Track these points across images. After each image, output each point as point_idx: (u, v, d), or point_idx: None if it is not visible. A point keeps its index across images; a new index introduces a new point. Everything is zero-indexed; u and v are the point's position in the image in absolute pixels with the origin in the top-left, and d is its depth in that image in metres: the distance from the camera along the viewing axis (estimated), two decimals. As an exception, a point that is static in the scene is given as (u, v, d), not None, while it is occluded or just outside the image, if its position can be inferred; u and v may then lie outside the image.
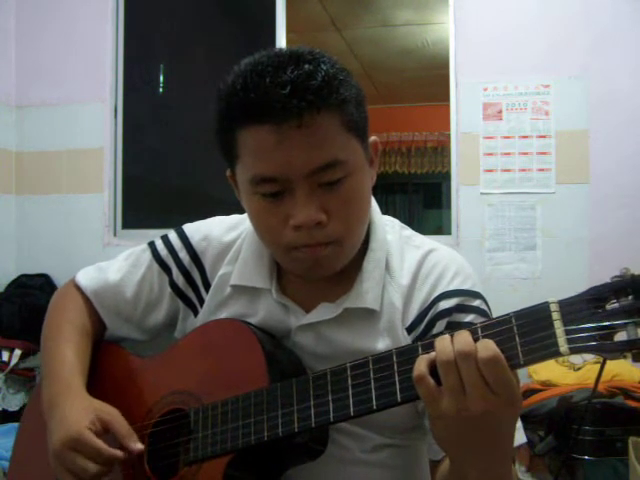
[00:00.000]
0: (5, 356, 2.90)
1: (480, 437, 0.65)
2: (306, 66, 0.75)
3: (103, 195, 3.29)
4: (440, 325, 0.84)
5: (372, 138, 0.86)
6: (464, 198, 2.96)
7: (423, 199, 6.88)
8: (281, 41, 3.23)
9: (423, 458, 0.95)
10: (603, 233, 2.79)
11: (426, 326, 0.86)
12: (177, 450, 0.86)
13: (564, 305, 0.62)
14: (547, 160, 2.88)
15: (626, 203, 2.79)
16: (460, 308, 0.85)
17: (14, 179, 3.40)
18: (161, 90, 3.92)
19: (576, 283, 2.80)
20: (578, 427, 2.02)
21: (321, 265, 0.81)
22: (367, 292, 0.86)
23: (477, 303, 0.86)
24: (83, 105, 3.32)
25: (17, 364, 2.88)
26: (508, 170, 2.92)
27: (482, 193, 2.93)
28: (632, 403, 2.12)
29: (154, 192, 3.70)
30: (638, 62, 2.82)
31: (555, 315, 0.62)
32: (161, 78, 3.90)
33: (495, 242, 2.91)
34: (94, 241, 3.26)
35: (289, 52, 0.78)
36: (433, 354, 0.65)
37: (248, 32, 3.59)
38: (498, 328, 0.65)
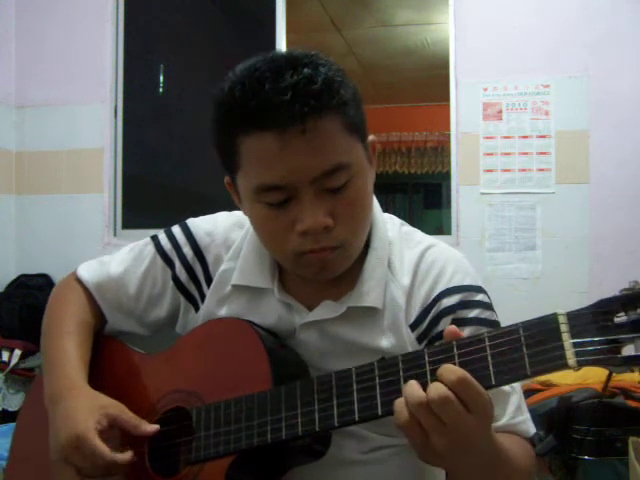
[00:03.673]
0: (5, 356, 2.91)
1: (470, 452, 0.67)
2: (305, 70, 0.74)
3: (103, 195, 3.29)
4: (445, 322, 0.85)
5: (370, 137, 0.86)
6: (464, 198, 2.96)
7: (423, 199, 6.88)
8: (281, 41, 3.23)
9: None
10: (603, 233, 2.79)
11: (430, 323, 0.87)
12: (178, 449, 0.86)
13: (572, 317, 0.62)
14: (547, 160, 2.88)
15: (626, 203, 2.79)
16: (464, 304, 0.86)
17: (14, 179, 3.40)
18: (161, 90, 3.92)
19: (576, 283, 2.83)
20: (585, 429, 2.01)
21: (327, 269, 0.82)
22: (370, 291, 0.87)
23: (480, 297, 0.87)
24: (83, 105, 3.32)
25: (17, 364, 2.88)
26: (508, 170, 2.92)
27: (482, 193, 2.93)
28: (632, 403, 2.12)
29: (154, 192, 3.70)
30: (638, 62, 2.82)
31: (563, 327, 0.62)
32: (161, 78, 3.90)
33: (495, 242, 2.91)
34: (94, 241, 3.26)
35: (284, 56, 0.77)
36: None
37: (248, 32, 3.59)
38: (505, 338, 0.65)
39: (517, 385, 0.87)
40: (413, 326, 0.87)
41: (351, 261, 0.85)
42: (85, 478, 0.81)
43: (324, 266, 0.81)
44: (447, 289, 0.87)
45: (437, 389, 0.64)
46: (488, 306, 0.87)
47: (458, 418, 0.63)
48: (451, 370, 0.64)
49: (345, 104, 0.77)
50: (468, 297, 0.87)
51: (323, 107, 0.74)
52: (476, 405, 0.64)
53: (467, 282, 0.88)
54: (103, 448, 0.80)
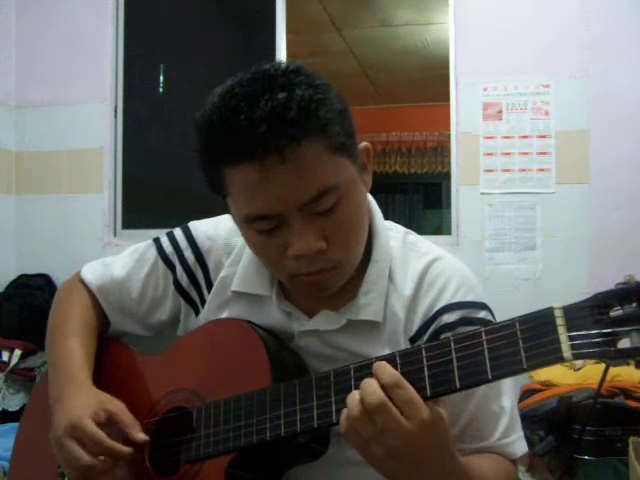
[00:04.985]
0: (5, 356, 2.90)
1: (419, 466, 0.68)
2: (280, 95, 0.71)
3: (103, 195, 3.29)
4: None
5: (362, 145, 0.83)
6: (464, 198, 2.96)
7: (423, 199, 6.87)
8: (281, 41, 3.22)
9: None
10: (603, 233, 2.79)
11: (429, 338, 0.86)
12: (179, 448, 0.86)
13: (568, 311, 0.62)
14: (547, 160, 2.88)
15: (626, 203, 2.79)
16: (465, 321, 0.84)
17: (14, 179, 3.40)
18: (161, 90, 3.92)
19: (576, 283, 2.83)
20: (581, 428, 2.01)
21: (323, 287, 0.82)
22: (370, 304, 0.86)
23: (482, 314, 0.86)
24: (83, 105, 3.32)
25: (17, 364, 2.87)
26: (508, 170, 2.92)
27: (482, 193, 2.93)
28: (632, 403, 2.11)
29: (154, 192, 3.70)
30: (638, 62, 2.82)
31: (559, 321, 0.62)
32: (161, 78, 3.90)
33: (495, 242, 2.91)
34: (94, 241, 3.26)
35: (262, 76, 0.74)
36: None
37: (248, 32, 3.59)
38: (502, 332, 0.66)
39: (509, 405, 0.86)
40: (413, 339, 0.86)
41: (347, 277, 0.84)
42: (85, 472, 0.81)
43: (319, 286, 0.81)
44: (449, 304, 0.85)
45: (372, 393, 0.66)
46: (490, 325, 0.87)
47: (393, 423, 0.64)
48: (384, 373, 0.67)
49: (326, 125, 0.73)
50: (470, 314, 0.85)
51: (301, 133, 0.70)
52: (410, 409, 0.65)
53: (470, 298, 0.86)
54: (100, 433, 0.80)
